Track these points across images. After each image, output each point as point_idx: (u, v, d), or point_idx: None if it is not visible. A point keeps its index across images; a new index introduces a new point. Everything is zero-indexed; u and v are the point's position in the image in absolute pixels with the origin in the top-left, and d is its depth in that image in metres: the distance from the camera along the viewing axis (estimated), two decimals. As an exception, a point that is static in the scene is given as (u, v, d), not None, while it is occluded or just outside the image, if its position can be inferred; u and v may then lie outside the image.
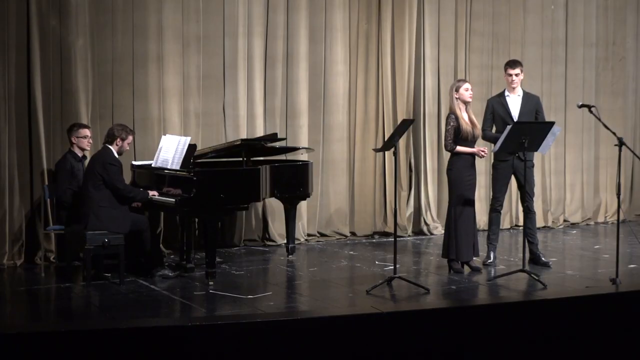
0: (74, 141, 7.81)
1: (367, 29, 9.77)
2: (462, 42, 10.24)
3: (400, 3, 9.80)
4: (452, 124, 7.55)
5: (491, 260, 8.08)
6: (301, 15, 9.35)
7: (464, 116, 7.58)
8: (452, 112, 7.60)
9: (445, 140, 7.63)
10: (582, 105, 7.49)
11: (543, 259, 8.06)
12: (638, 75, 11.54)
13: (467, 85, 7.63)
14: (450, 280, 7.46)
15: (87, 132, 7.84)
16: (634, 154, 7.87)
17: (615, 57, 11.27)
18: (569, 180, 11.02)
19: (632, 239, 9.25)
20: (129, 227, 7.21)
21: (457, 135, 7.54)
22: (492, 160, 8.19)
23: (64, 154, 7.88)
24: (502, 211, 8.28)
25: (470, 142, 7.60)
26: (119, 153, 7.34)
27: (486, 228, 8.43)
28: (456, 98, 7.59)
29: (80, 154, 7.83)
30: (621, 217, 7.34)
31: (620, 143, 7.03)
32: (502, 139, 7.24)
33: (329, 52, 9.58)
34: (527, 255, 7.88)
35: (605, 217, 11.27)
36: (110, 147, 7.30)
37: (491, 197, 8.27)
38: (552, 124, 7.50)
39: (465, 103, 7.61)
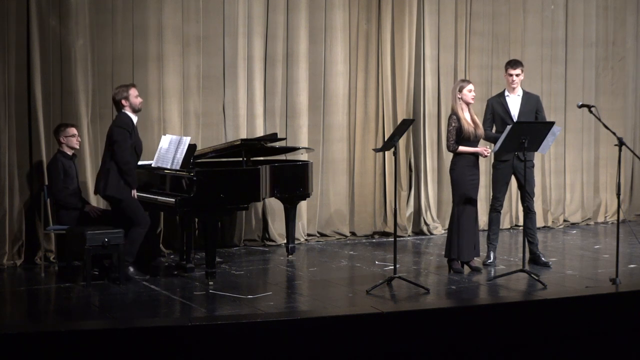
0: (62, 141, 7.78)
1: (367, 29, 9.77)
2: (462, 42, 10.24)
3: (400, 3, 9.80)
4: (453, 124, 7.55)
5: (491, 260, 8.08)
6: (301, 15, 9.35)
7: (466, 116, 7.58)
8: (454, 113, 7.60)
9: (448, 140, 7.62)
10: (582, 105, 7.49)
11: (543, 259, 8.06)
12: (638, 75, 11.53)
13: (470, 87, 7.62)
14: (450, 280, 7.46)
15: (74, 130, 7.83)
16: (634, 154, 7.87)
17: (615, 57, 11.27)
18: (569, 180, 11.02)
19: (632, 239, 9.25)
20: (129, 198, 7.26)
21: (460, 136, 7.54)
22: (492, 161, 8.19)
23: (53, 154, 7.87)
24: (502, 211, 8.28)
25: (473, 142, 7.60)
26: (135, 110, 7.36)
27: (486, 228, 8.43)
28: (459, 98, 7.59)
29: (70, 152, 7.82)
30: (621, 217, 7.33)
31: (620, 143, 7.03)
32: (502, 139, 7.24)
33: (329, 52, 9.58)
34: (527, 255, 7.88)
35: (605, 217, 11.27)
36: (123, 111, 7.33)
37: (491, 197, 8.27)
38: (552, 124, 7.50)
39: (468, 104, 7.60)
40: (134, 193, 7.32)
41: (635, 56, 11.48)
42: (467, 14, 10.24)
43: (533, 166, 8.10)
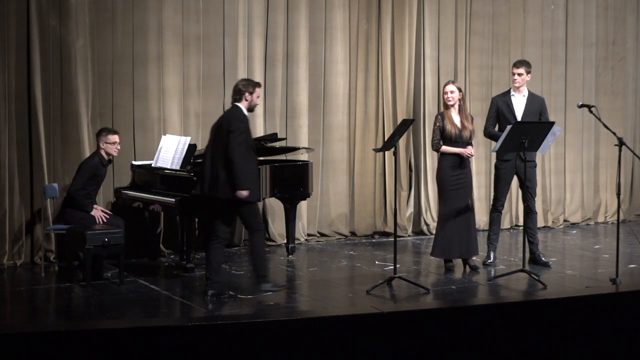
0: (102, 146, 7.66)
1: (367, 29, 9.77)
2: (462, 42, 10.24)
3: (400, 3, 9.80)
4: (437, 124, 7.65)
5: (491, 260, 8.08)
6: (301, 15, 9.35)
7: (452, 116, 7.61)
8: (440, 113, 7.71)
9: (432, 140, 7.71)
10: (582, 105, 7.50)
11: (543, 259, 8.06)
12: (638, 75, 11.54)
13: (447, 88, 7.65)
14: (450, 280, 7.46)
15: (116, 138, 7.70)
16: (634, 153, 7.87)
17: (615, 57, 11.28)
18: (569, 180, 11.02)
19: (632, 239, 9.25)
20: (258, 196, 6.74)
21: (442, 135, 7.60)
22: (495, 160, 8.17)
23: (93, 152, 7.78)
24: (502, 211, 8.28)
25: (456, 143, 7.60)
26: (250, 109, 6.86)
27: (486, 228, 8.42)
28: (444, 99, 7.66)
29: (107, 157, 7.74)
30: (621, 217, 7.34)
31: (620, 143, 7.04)
32: (502, 139, 7.25)
33: (329, 52, 9.58)
34: (527, 255, 7.88)
35: (605, 217, 11.27)
36: (239, 105, 6.80)
37: (492, 197, 8.26)
38: (552, 124, 7.50)
39: (451, 105, 7.60)
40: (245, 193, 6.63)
41: (635, 56, 11.48)
42: (467, 14, 10.24)
43: (535, 166, 8.09)
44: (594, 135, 11.12)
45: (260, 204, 9.12)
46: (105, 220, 7.57)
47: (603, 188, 11.28)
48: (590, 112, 7.36)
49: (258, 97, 6.91)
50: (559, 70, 10.88)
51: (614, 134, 7.21)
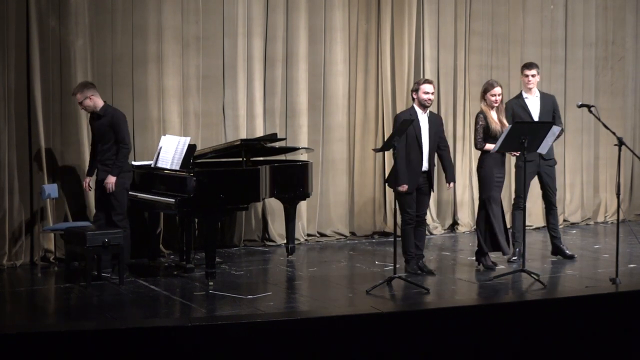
0: None
1: (367, 29, 9.77)
2: (462, 42, 10.24)
3: (400, 3, 9.80)
4: (480, 123, 7.70)
5: (515, 257, 8.09)
6: (301, 15, 9.35)
7: (492, 115, 7.71)
8: (481, 112, 7.75)
9: (475, 139, 7.78)
10: (582, 105, 7.52)
11: (567, 251, 8.32)
12: (638, 75, 11.53)
13: (495, 90, 7.70)
14: (450, 280, 7.46)
15: (75, 98, 7.53)
16: (634, 153, 7.87)
17: (615, 57, 11.27)
18: (568, 180, 11.02)
19: (632, 239, 9.25)
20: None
21: (487, 134, 7.66)
22: (515, 160, 8.25)
23: None
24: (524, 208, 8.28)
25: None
26: (421, 106, 7.60)
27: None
28: (484, 100, 7.72)
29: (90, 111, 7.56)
30: (621, 217, 7.34)
31: (620, 143, 7.04)
32: (502, 139, 7.26)
33: (328, 52, 9.58)
34: (550, 248, 8.33)
35: (605, 217, 11.27)
36: (413, 104, 7.66)
37: (514, 195, 8.33)
38: (551, 124, 7.52)
39: (492, 106, 7.68)
40: (404, 188, 7.49)
41: (635, 56, 11.48)
42: (466, 14, 10.24)
43: (555, 163, 8.33)
44: (594, 135, 11.12)
45: (260, 204, 9.14)
46: (88, 191, 7.74)
47: (603, 188, 11.28)
48: (590, 112, 7.37)
49: (425, 92, 7.58)
50: (559, 70, 10.88)
51: (614, 133, 7.21)
